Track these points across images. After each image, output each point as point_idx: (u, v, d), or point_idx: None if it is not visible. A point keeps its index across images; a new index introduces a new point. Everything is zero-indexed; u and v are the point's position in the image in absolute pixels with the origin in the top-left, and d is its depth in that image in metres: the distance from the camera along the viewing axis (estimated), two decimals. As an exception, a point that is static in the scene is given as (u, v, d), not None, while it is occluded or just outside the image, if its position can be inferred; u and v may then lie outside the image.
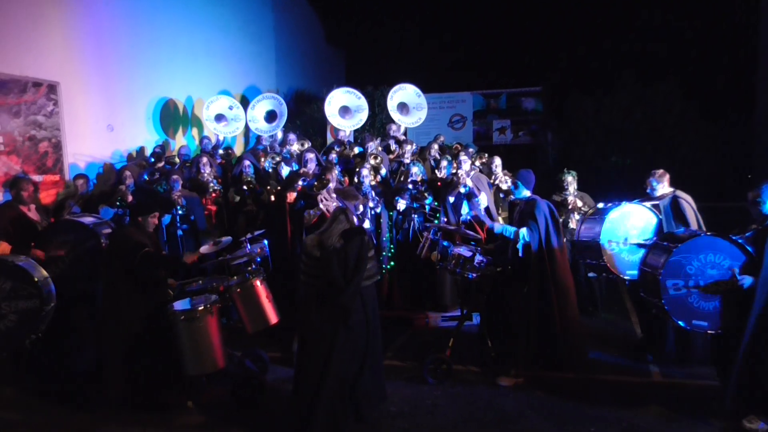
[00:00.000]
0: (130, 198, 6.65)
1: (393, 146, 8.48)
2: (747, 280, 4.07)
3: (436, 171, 7.44)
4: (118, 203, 6.48)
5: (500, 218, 7.22)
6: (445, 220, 6.59)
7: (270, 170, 7.98)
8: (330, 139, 10.48)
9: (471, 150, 8.42)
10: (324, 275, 4.01)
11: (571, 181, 6.68)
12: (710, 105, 13.40)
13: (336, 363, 3.99)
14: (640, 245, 5.05)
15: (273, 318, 4.80)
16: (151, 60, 10.07)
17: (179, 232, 6.73)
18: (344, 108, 9.14)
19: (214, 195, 7.30)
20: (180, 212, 6.72)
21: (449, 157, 7.74)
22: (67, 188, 8.07)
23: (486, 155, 8.39)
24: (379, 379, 4.37)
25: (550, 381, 4.95)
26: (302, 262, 4.16)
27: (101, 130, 9.03)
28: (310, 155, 7.38)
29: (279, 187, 7.08)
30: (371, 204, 6.64)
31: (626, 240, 5.14)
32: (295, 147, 8.59)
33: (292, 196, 6.59)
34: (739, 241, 4.21)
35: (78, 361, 5.35)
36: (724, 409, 4.13)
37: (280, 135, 9.33)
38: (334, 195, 5.85)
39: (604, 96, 13.47)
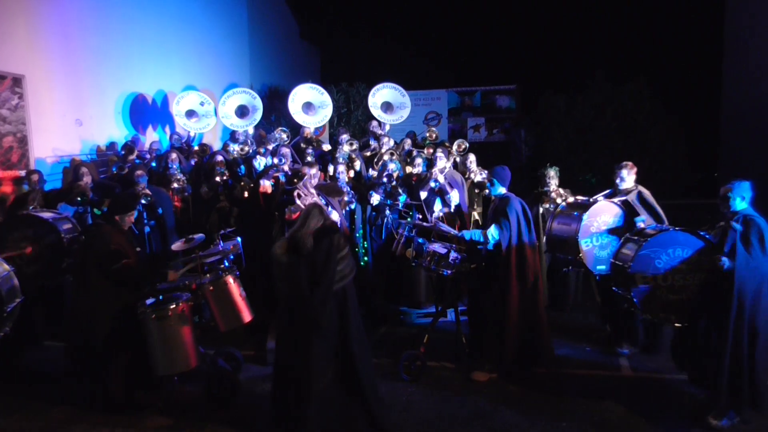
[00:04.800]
0: (90, 194, 6.47)
1: (372, 143, 8.41)
2: (727, 262, 4.04)
3: (410, 168, 7.43)
4: (79, 199, 6.30)
5: (475, 213, 7.27)
6: (419, 217, 6.59)
7: (238, 158, 7.88)
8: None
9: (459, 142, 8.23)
10: (292, 283, 3.84)
11: (552, 175, 6.72)
12: (678, 104, 13.73)
13: (317, 371, 3.80)
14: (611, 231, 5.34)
15: (246, 316, 4.74)
16: (121, 53, 9.84)
17: (146, 228, 6.60)
18: (307, 104, 9.06)
19: (177, 185, 7.17)
20: (144, 208, 6.55)
21: (424, 155, 7.73)
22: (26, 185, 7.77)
23: (464, 142, 8.29)
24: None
25: (524, 376, 5.00)
26: (274, 267, 3.98)
27: (69, 124, 8.80)
28: (285, 150, 7.28)
29: (252, 184, 6.99)
30: (346, 199, 6.61)
31: (599, 237, 5.33)
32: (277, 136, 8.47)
33: (266, 186, 6.48)
34: (707, 236, 4.32)
35: (39, 360, 5.20)
36: (717, 406, 4.07)
37: (251, 130, 9.18)
38: (312, 191, 5.78)
39: (576, 94, 13.67)
